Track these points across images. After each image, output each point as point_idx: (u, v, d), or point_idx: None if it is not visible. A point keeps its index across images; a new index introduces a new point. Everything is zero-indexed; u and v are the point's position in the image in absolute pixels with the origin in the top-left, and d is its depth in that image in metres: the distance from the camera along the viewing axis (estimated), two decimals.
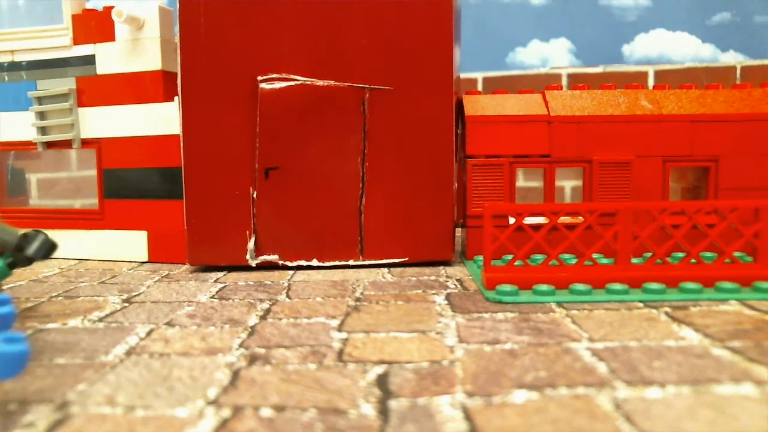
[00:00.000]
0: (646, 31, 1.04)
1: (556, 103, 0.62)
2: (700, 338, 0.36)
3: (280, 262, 0.61)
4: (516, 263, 0.50)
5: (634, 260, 0.55)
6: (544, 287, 0.47)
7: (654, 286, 0.47)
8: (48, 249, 0.40)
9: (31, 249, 0.39)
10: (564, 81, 1.05)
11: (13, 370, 0.28)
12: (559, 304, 0.45)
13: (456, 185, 0.63)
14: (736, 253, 0.54)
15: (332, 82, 0.59)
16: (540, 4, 1.04)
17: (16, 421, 0.27)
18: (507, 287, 0.47)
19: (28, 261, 0.39)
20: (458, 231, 0.67)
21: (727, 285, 0.47)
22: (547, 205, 0.52)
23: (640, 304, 0.45)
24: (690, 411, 0.27)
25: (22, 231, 0.41)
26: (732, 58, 1.03)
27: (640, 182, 0.61)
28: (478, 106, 0.62)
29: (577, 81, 1.04)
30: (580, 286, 0.47)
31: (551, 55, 1.05)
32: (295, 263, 0.61)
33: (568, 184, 1.03)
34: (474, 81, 1.06)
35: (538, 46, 1.06)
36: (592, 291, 0.47)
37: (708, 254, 0.56)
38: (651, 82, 1.04)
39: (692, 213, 0.50)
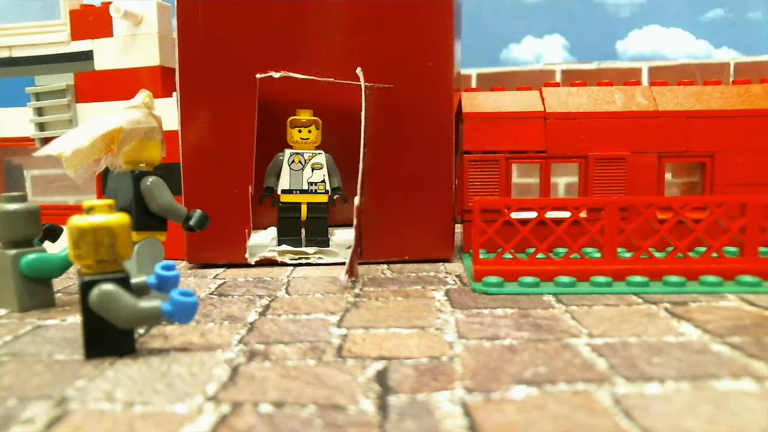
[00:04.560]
0: (639, 27, 1.04)
1: (552, 100, 0.62)
2: (699, 334, 0.36)
3: (279, 258, 0.61)
4: (504, 256, 0.50)
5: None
6: (529, 279, 0.48)
7: (637, 279, 0.48)
8: (204, 220, 0.47)
9: (194, 220, 0.47)
10: (558, 77, 1.05)
11: (189, 317, 0.34)
12: (558, 299, 0.45)
13: (456, 182, 0.63)
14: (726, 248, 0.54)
15: (331, 79, 0.59)
16: (534, 0, 1.04)
17: (15, 416, 0.27)
18: (493, 279, 0.48)
19: (191, 229, 0.47)
20: (458, 227, 0.67)
21: (711, 278, 0.48)
22: (535, 199, 0.53)
23: (640, 300, 0.45)
24: (690, 407, 0.27)
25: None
26: (725, 55, 1.03)
27: (636, 178, 0.61)
28: (475, 102, 0.62)
29: (571, 77, 1.04)
30: (565, 278, 0.48)
31: (545, 51, 1.05)
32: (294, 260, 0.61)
33: (561, 180, 1.03)
34: (468, 77, 1.06)
35: (532, 43, 1.06)
36: (576, 283, 0.48)
37: (700, 249, 0.56)
38: (645, 78, 1.04)
39: (678, 208, 0.50)
